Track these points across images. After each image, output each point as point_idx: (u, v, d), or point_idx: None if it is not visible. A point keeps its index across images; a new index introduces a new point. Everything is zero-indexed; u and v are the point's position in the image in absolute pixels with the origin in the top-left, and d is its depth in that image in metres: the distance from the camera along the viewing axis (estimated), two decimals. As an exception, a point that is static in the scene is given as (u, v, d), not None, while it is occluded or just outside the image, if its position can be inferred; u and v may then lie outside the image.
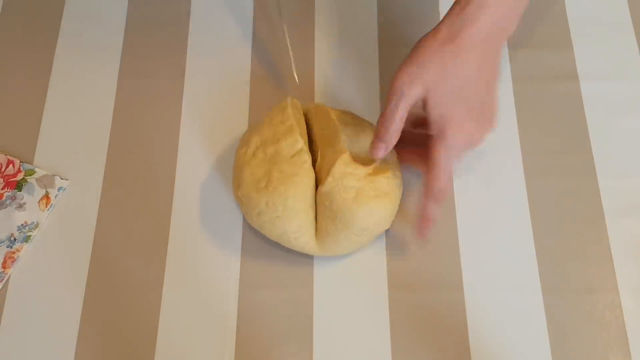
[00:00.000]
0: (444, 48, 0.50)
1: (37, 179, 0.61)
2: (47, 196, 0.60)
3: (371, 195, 0.54)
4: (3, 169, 0.62)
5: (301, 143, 0.56)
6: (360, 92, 0.66)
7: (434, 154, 0.52)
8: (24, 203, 0.60)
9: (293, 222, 0.55)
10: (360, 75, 0.67)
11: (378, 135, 0.54)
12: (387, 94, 0.52)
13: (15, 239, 0.59)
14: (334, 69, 0.67)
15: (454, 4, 0.52)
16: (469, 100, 0.51)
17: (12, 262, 0.58)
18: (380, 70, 0.67)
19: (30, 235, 0.59)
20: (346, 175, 0.54)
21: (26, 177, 0.61)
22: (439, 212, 0.55)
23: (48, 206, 0.60)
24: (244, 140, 0.59)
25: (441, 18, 0.52)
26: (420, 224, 0.55)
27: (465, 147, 0.53)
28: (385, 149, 0.54)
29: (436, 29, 0.52)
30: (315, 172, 0.57)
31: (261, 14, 0.62)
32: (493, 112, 0.54)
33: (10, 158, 0.62)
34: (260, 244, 0.59)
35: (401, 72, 0.51)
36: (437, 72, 0.50)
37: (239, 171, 0.57)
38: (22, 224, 0.59)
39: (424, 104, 0.51)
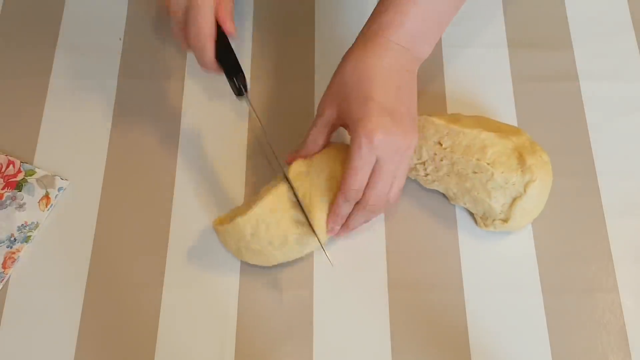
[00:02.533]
0: (356, 53, 0.53)
1: (37, 179, 0.61)
2: (47, 196, 0.60)
3: None
4: (3, 169, 0.62)
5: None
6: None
7: (350, 151, 0.51)
8: (24, 203, 0.60)
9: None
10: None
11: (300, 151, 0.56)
12: None
13: (15, 239, 0.59)
14: (333, 69, 0.67)
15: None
16: (378, 100, 0.51)
17: (12, 262, 0.58)
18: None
19: (30, 236, 0.59)
20: None
21: (26, 178, 0.61)
22: (360, 217, 0.55)
23: (48, 206, 0.60)
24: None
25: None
26: (329, 217, 0.54)
27: (390, 147, 0.51)
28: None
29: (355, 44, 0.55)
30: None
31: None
32: (413, 123, 0.53)
33: (11, 158, 0.62)
34: (260, 244, 0.59)
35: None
36: (346, 84, 0.53)
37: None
38: (22, 224, 0.59)
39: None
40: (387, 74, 0.52)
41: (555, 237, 0.59)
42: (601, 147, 0.63)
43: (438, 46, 0.68)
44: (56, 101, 0.65)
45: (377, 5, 0.56)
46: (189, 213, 0.60)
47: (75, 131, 0.64)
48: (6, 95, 0.66)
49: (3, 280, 0.57)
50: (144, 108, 0.65)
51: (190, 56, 0.67)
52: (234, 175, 0.62)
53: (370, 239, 0.59)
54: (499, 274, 0.58)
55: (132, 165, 0.62)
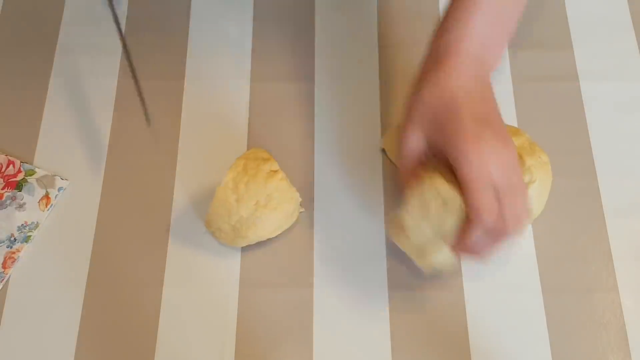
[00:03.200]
0: (432, 73, 0.50)
1: (37, 179, 0.61)
2: (47, 196, 0.60)
3: None
4: (3, 169, 0.62)
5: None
6: (360, 92, 0.66)
7: (460, 174, 0.46)
8: (24, 203, 0.60)
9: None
10: (361, 75, 0.66)
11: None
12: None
13: (15, 239, 0.59)
14: (333, 69, 0.67)
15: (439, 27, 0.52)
16: (470, 114, 0.48)
17: (12, 262, 0.58)
18: (380, 70, 0.67)
19: (30, 235, 0.59)
20: None
21: (26, 177, 0.61)
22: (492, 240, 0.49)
23: (48, 206, 0.60)
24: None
25: (441, 18, 0.52)
26: (460, 246, 0.49)
27: (504, 167, 0.47)
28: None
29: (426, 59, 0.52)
30: None
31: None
32: (503, 129, 0.49)
33: (11, 158, 0.62)
34: (261, 243, 0.58)
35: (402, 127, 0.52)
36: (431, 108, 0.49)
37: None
38: (22, 224, 0.59)
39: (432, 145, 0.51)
40: (467, 89, 0.49)
41: (555, 237, 0.59)
42: (601, 147, 0.63)
43: (438, 46, 0.68)
44: (56, 101, 0.65)
45: (441, 21, 0.52)
46: (189, 212, 0.60)
47: (75, 131, 0.64)
48: (6, 95, 0.66)
49: (3, 280, 0.57)
50: (144, 108, 0.65)
51: (190, 55, 0.67)
52: (234, 175, 0.62)
53: (371, 239, 0.59)
54: (499, 274, 0.58)
55: (132, 165, 0.62)
